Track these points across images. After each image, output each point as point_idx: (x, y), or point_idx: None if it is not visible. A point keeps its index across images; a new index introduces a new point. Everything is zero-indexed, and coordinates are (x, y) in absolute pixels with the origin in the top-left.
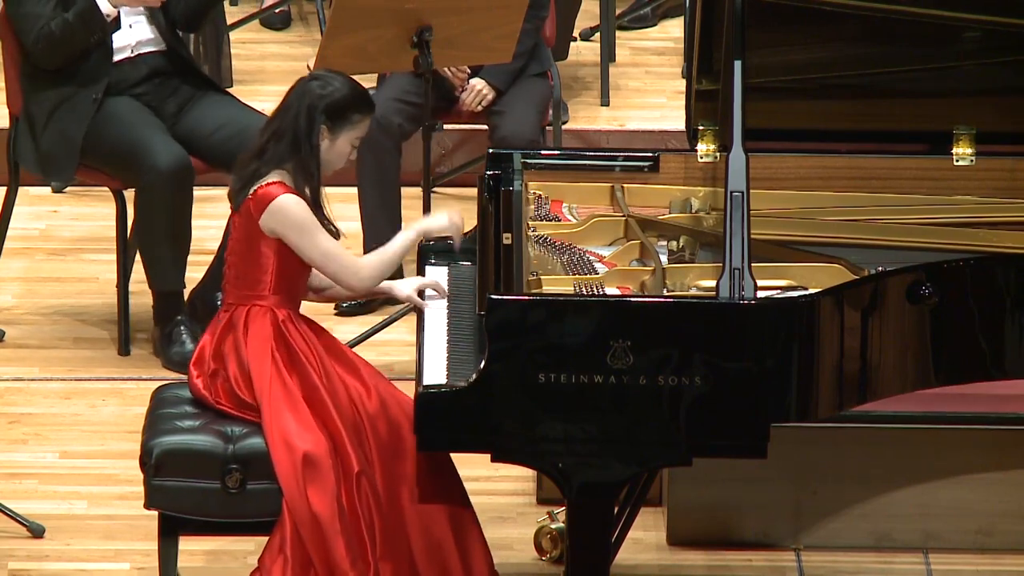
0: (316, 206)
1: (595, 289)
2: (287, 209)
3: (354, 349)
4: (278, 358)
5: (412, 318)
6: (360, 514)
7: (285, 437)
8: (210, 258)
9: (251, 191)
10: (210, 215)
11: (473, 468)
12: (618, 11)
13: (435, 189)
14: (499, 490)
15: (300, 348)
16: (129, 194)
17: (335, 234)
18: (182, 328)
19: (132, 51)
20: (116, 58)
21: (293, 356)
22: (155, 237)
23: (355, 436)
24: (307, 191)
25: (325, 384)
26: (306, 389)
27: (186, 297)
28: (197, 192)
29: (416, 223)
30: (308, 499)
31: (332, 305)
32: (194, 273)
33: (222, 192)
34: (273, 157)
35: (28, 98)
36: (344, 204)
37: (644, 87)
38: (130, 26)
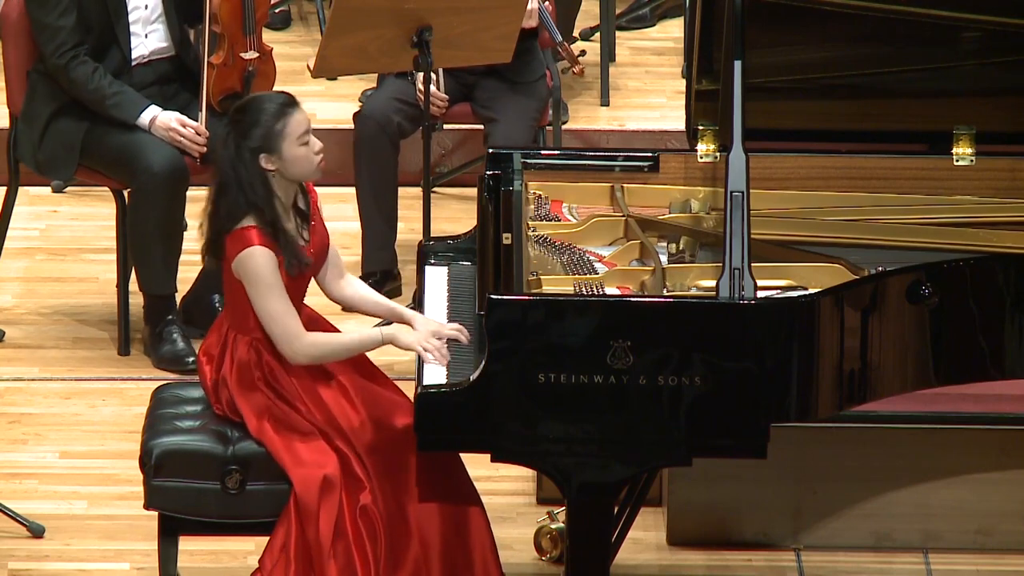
0: (287, 239)
1: (595, 289)
2: (251, 262)
3: None
4: (269, 393)
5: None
6: (365, 537)
7: (303, 459)
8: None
9: (231, 230)
10: None
11: (473, 468)
12: (617, 11)
13: (435, 189)
14: (499, 490)
15: (282, 387)
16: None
17: (303, 266)
18: (173, 327)
19: (145, 58)
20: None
21: (280, 395)
22: (147, 239)
23: (359, 460)
24: (272, 229)
25: (314, 421)
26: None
27: (179, 302)
28: (196, 192)
29: (388, 328)
30: (319, 519)
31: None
32: (189, 274)
33: None
34: (232, 211)
35: (34, 95)
36: (342, 204)
37: (644, 87)
38: (146, 35)
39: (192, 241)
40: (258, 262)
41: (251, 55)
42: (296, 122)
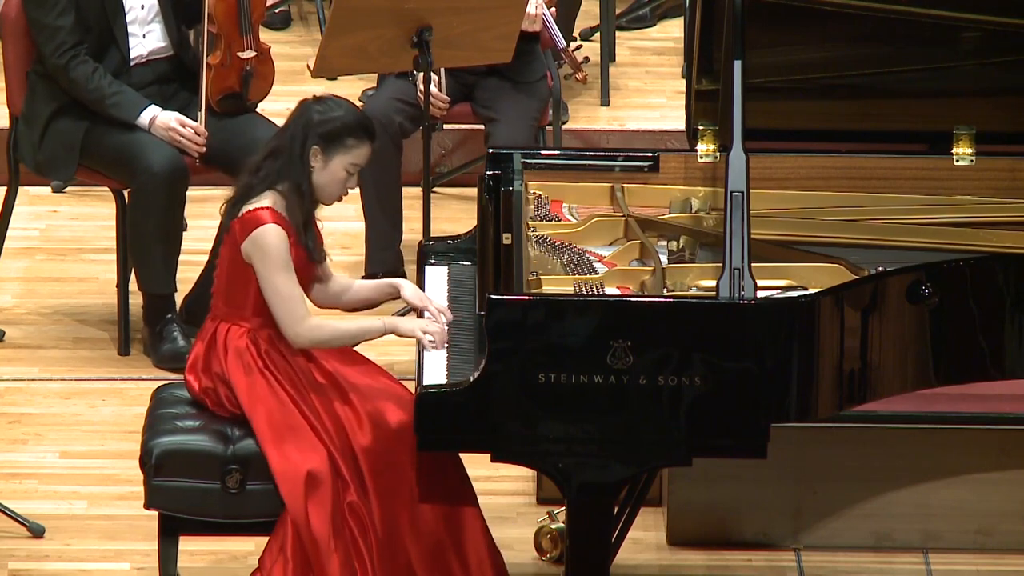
0: (306, 228)
1: (595, 289)
2: (264, 239)
3: (354, 348)
4: (268, 376)
5: (412, 317)
6: (357, 534)
7: (288, 455)
8: (206, 258)
9: (240, 212)
10: (209, 215)
11: (473, 468)
12: (617, 11)
13: (435, 189)
14: (499, 490)
15: (281, 377)
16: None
17: (322, 257)
18: (173, 325)
19: (144, 58)
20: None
21: (279, 382)
22: (147, 239)
23: (349, 460)
24: (297, 213)
25: (310, 415)
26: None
27: (180, 303)
28: (196, 192)
29: (389, 318)
30: (308, 516)
31: None
32: (189, 273)
33: (220, 192)
34: (268, 175)
35: (35, 94)
36: (345, 204)
37: (644, 87)
38: (144, 36)
39: (192, 241)
40: (272, 239)
41: (248, 54)
42: (362, 152)
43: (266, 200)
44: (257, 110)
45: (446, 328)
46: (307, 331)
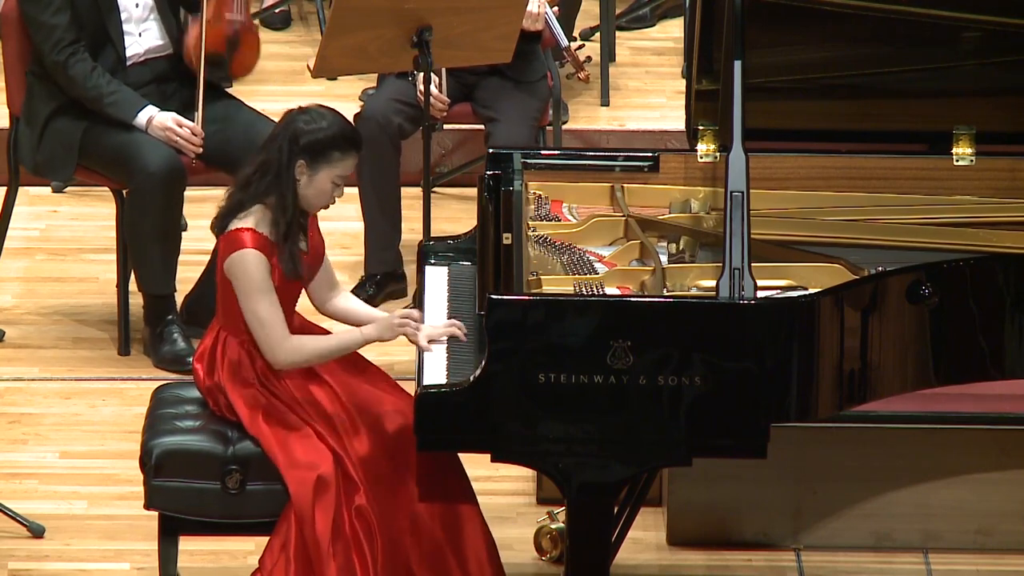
0: (290, 240)
1: (595, 289)
2: (243, 265)
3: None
4: (263, 391)
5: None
6: (363, 538)
7: (296, 457)
8: (206, 258)
9: (227, 228)
10: (209, 215)
11: (473, 468)
12: (617, 11)
13: (435, 189)
14: (499, 490)
15: (276, 388)
16: None
17: (298, 274)
18: (174, 327)
19: (140, 57)
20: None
21: (275, 394)
22: (144, 239)
23: (351, 463)
24: (283, 227)
25: (310, 421)
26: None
27: (180, 302)
28: (195, 192)
29: (368, 328)
30: (314, 518)
31: None
32: (189, 273)
33: (220, 192)
34: (257, 190)
35: (33, 94)
36: (344, 204)
37: (644, 87)
38: (140, 34)
39: (192, 241)
40: (249, 265)
41: (236, 17)
42: (348, 164)
43: (251, 219)
44: (258, 110)
45: (426, 321)
46: (286, 354)
